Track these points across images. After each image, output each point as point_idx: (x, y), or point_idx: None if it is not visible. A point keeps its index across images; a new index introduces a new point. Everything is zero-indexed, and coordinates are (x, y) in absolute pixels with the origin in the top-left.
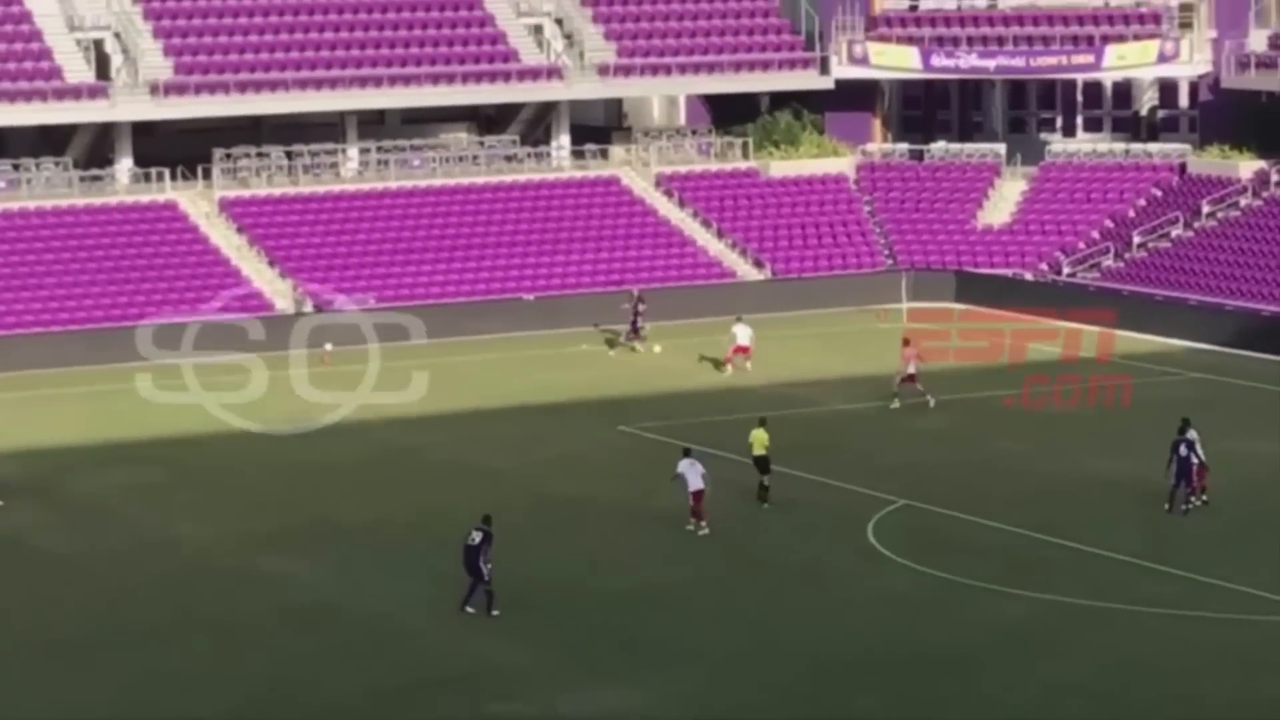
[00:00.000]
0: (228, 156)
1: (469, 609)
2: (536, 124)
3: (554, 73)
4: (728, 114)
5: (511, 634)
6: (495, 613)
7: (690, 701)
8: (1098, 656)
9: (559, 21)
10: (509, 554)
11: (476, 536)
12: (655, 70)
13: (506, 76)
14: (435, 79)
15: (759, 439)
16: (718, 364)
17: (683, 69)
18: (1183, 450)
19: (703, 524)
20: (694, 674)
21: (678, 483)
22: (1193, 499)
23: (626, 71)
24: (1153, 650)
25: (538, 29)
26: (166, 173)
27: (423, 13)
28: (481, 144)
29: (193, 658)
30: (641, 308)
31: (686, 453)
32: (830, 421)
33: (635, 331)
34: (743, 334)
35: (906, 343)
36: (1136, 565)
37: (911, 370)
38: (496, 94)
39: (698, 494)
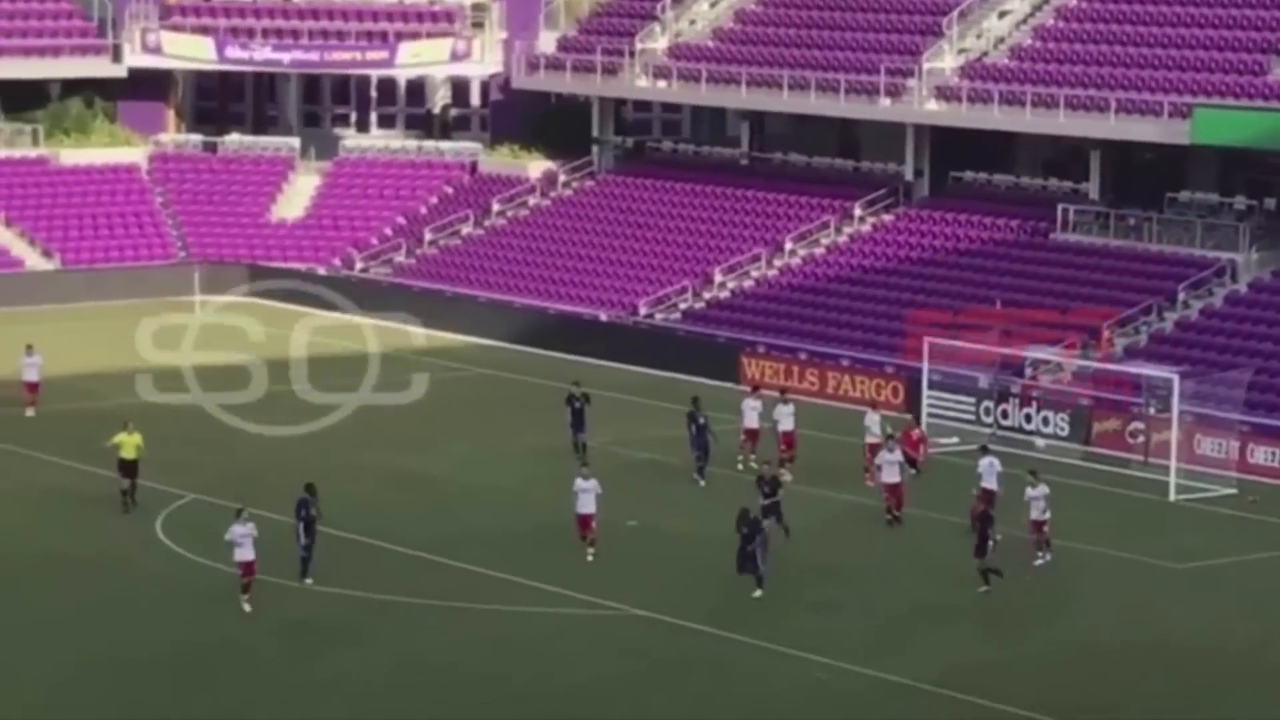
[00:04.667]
0: None
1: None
2: None
3: None
4: (17, 101)
5: None
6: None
7: None
8: (388, 648)
9: None
10: None
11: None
12: None
13: None
14: None
15: (130, 442)
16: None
17: None
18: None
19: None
20: None
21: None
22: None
23: None
24: (442, 641)
25: None
26: None
27: None
28: None
29: None
30: None
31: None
32: (116, 416)
33: None
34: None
35: None
36: (421, 559)
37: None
38: None
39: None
